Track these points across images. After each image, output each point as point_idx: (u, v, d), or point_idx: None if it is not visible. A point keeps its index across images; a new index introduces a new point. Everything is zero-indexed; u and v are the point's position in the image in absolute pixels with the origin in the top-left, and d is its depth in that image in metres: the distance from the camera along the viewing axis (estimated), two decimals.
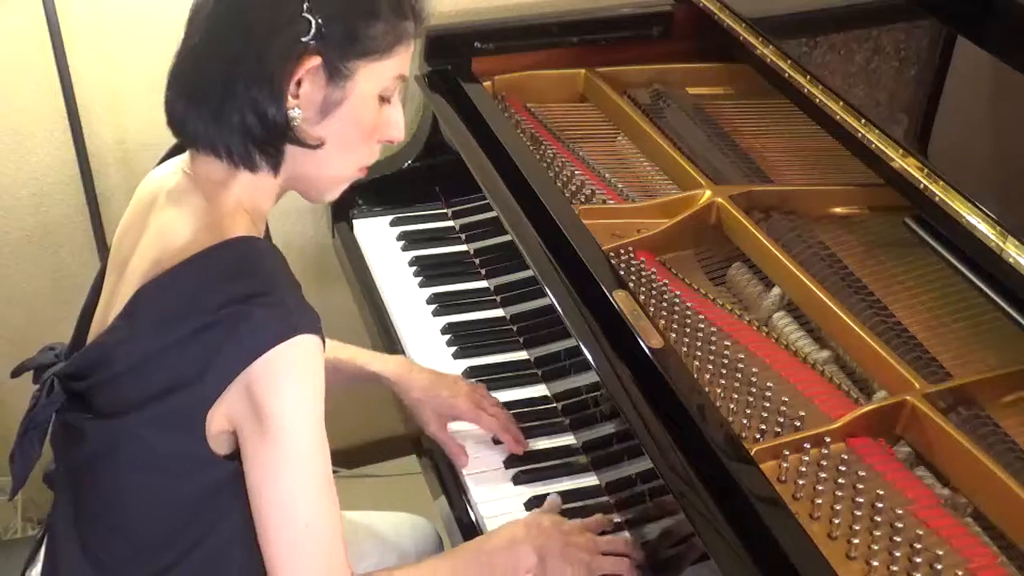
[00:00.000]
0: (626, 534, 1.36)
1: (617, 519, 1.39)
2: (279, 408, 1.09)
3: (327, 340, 1.53)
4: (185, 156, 1.22)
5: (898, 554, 1.16)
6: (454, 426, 1.51)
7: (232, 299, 1.08)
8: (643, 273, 1.54)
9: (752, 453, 1.23)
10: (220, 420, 1.12)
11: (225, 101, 1.11)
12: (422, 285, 1.79)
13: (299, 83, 1.11)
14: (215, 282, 1.10)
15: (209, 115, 1.13)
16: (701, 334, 1.44)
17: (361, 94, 1.15)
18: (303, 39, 1.09)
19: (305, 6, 1.09)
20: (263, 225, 1.23)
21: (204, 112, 1.13)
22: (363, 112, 1.16)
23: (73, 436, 1.19)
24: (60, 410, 1.18)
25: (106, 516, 1.20)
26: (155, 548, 1.19)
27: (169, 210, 1.19)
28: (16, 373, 1.26)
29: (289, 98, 1.12)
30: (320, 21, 1.09)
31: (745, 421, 1.32)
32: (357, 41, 1.12)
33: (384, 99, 1.18)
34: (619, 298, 1.40)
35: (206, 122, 1.14)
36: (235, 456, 1.15)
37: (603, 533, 1.35)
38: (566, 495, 1.43)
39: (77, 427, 1.17)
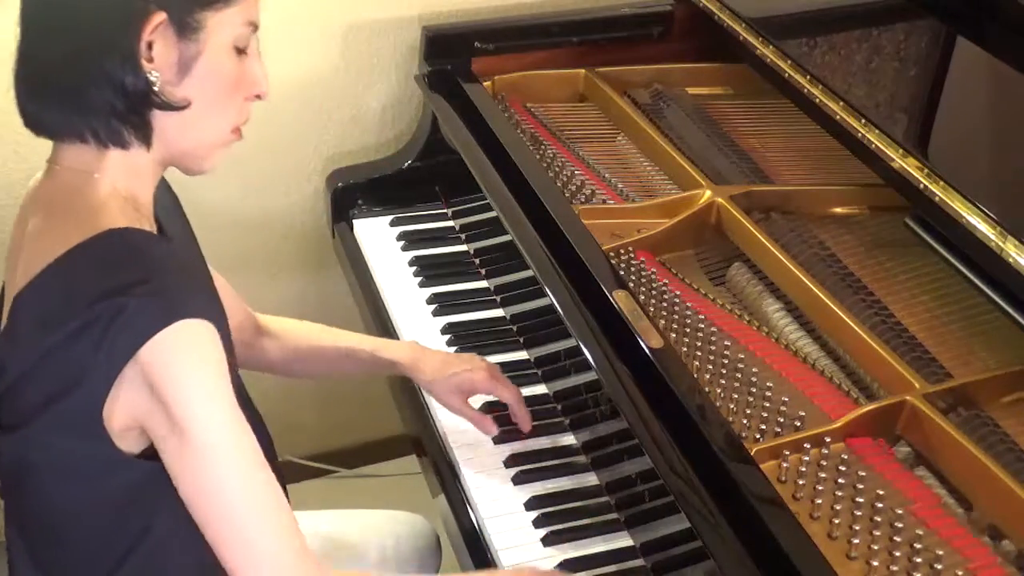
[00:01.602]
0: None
1: (617, 519, 1.39)
2: (182, 398, 1.06)
3: (332, 328, 1.54)
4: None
5: (898, 554, 1.16)
6: (452, 421, 1.50)
7: (107, 292, 1.05)
8: (643, 273, 1.54)
9: (752, 453, 1.23)
10: (121, 417, 1.08)
11: (79, 83, 1.08)
12: (422, 285, 1.79)
13: (150, 45, 1.07)
14: (89, 277, 1.07)
15: (65, 102, 1.10)
16: (701, 334, 1.44)
17: (216, 46, 1.11)
18: None
19: None
20: (148, 210, 1.18)
21: (59, 101, 1.10)
22: (222, 65, 1.12)
23: None
24: None
25: (42, 525, 1.18)
26: (93, 554, 1.17)
27: (38, 214, 1.15)
28: None
29: (143, 62, 1.07)
30: None
31: (745, 421, 1.32)
32: None
33: (241, 51, 1.14)
34: (619, 298, 1.40)
35: (64, 110, 1.10)
36: (149, 455, 1.11)
37: None
38: (566, 495, 1.43)
39: None
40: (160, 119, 1.12)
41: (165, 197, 1.28)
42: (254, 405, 1.33)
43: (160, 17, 1.06)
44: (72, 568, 1.19)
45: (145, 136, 1.12)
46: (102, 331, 1.04)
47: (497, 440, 1.50)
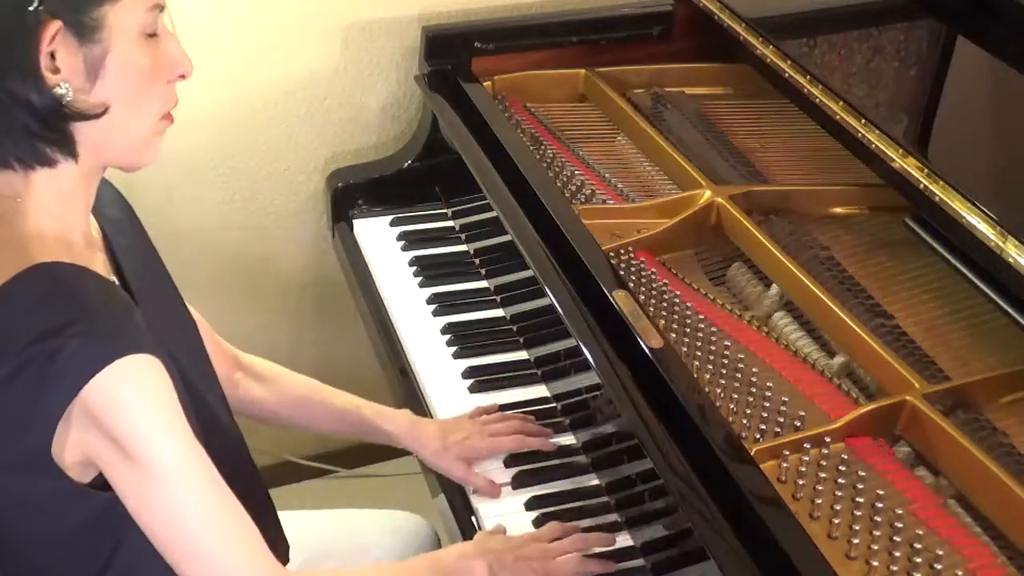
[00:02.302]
0: (580, 528, 1.36)
1: (617, 519, 1.39)
2: (134, 434, 1.04)
3: (326, 386, 1.52)
4: None
5: (898, 554, 1.16)
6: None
7: (39, 335, 1.01)
8: (643, 273, 1.54)
9: (752, 453, 1.23)
10: (72, 453, 1.06)
11: None
12: (422, 285, 1.79)
13: (52, 56, 1.02)
14: (21, 318, 1.03)
15: None
16: (701, 334, 1.44)
17: (122, 40, 1.05)
18: (30, 8, 1.00)
19: None
20: (82, 229, 1.14)
21: None
22: (134, 57, 1.06)
23: None
24: None
25: (10, 558, 1.17)
26: None
27: None
28: None
29: (48, 75, 1.02)
30: None
31: (745, 421, 1.32)
32: None
33: (151, 35, 1.08)
34: (619, 298, 1.40)
35: None
36: (106, 485, 1.09)
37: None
38: (566, 495, 1.43)
39: None
40: (82, 129, 1.07)
41: (114, 207, 1.26)
42: (229, 418, 1.32)
43: (55, 25, 1.02)
44: None
45: (70, 150, 1.08)
46: (39, 375, 1.01)
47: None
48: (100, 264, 1.16)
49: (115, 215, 1.25)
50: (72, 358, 1.01)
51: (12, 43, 1.02)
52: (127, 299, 1.12)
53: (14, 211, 1.09)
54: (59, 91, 1.03)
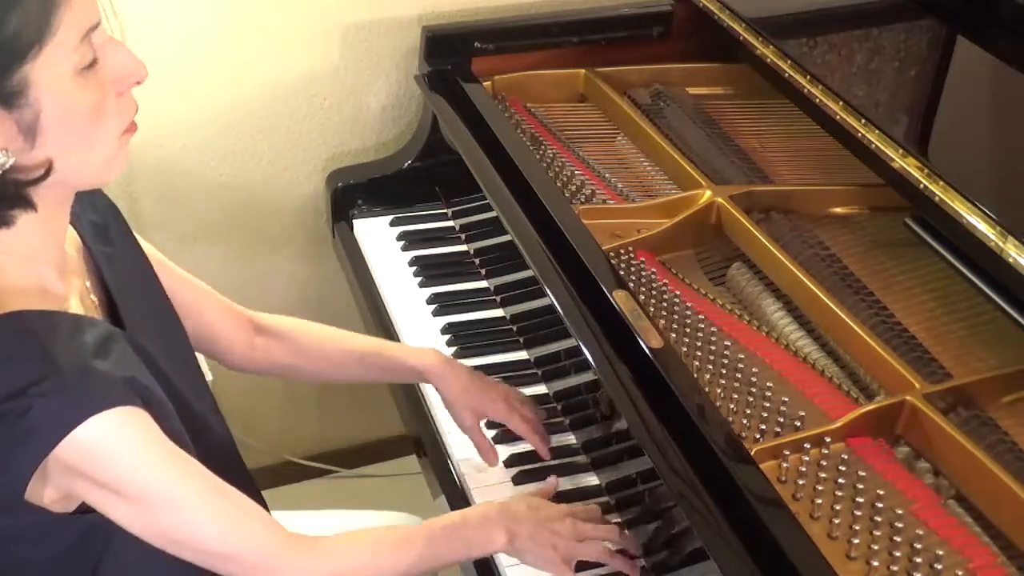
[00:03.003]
0: (618, 525, 1.36)
1: (617, 519, 1.39)
2: (125, 479, 1.03)
3: (346, 331, 1.50)
4: None
5: (898, 554, 1.16)
6: (452, 422, 1.51)
7: (8, 394, 0.97)
8: (643, 273, 1.54)
9: (752, 453, 1.23)
10: (52, 496, 1.05)
11: None
12: (422, 285, 1.79)
13: None
14: None
15: None
16: (701, 334, 1.44)
17: (52, 92, 0.98)
18: None
19: None
20: (54, 255, 1.10)
21: None
22: (72, 102, 0.99)
23: None
24: None
25: None
26: None
27: None
28: None
29: None
30: None
31: (745, 421, 1.32)
32: (3, 53, 0.95)
33: (89, 67, 1.00)
34: (619, 298, 1.40)
35: None
36: (90, 508, 1.08)
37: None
38: (566, 495, 1.43)
39: None
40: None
41: (94, 212, 1.23)
42: (219, 421, 1.32)
43: None
44: None
45: (25, 204, 1.03)
46: (7, 435, 0.98)
47: (497, 440, 1.50)
48: (76, 290, 1.13)
49: (95, 219, 1.22)
50: (41, 419, 0.98)
51: None
52: (104, 334, 1.07)
53: None
54: None
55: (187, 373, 1.27)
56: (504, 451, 1.49)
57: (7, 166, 0.98)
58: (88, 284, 1.17)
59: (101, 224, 1.23)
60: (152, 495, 1.06)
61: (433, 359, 1.48)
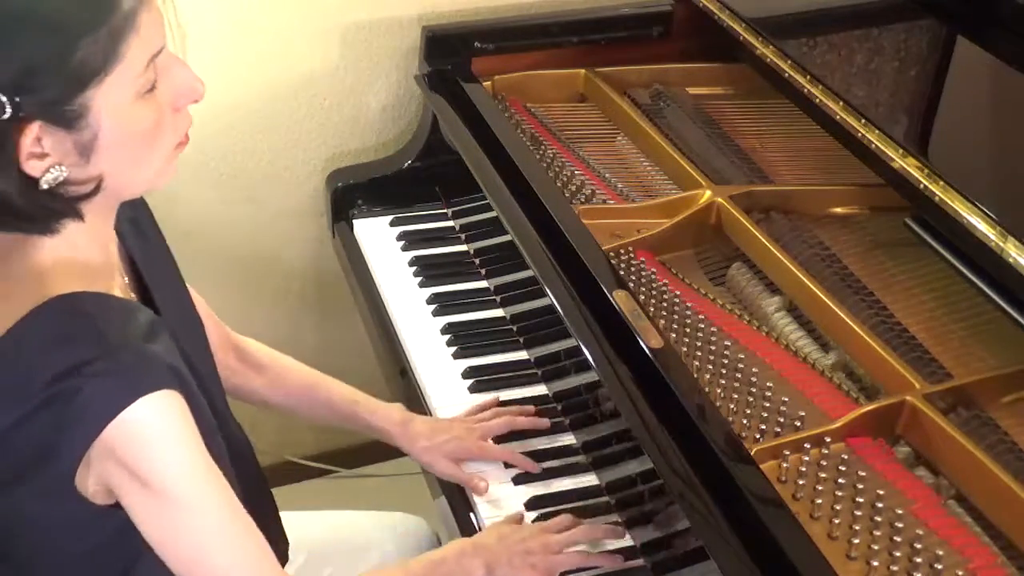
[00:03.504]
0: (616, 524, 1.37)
1: (617, 519, 1.39)
2: (153, 469, 1.03)
3: (326, 376, 1.52)
4: None
5: (898, 554, 1.16)
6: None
7: (60, 374, 0.99)
8: (643, 273, 1.54)
9: (752, 453, 1.23)
10: (94, 483, 1.06)
11: None
12: (422, 285, 1.79)
13: (39, 140, 0.97)
14: (39, 355, 1.01)
15: None
16: (701, 334, 1.44)
17: (112, 115, 0.99)
18: (2, 118, 0.94)
19: None
20: (95, 269, 1.10)
21: None
22: (130, 125, 1.01)
23: None
24: None
25: (31, 572, 1.17)
26: None
27: None
28: None
29: (31, 163, 0.98)
30: (9, 94, 0.94)
31: (745, 421, 1.32)
32: (67, 79, 0.96)
33: (149, 90, 1.02)
34: (619, 298, 1.40)
35: None
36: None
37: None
38: (566, 495, 1.43)
39: None
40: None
41: (129, 207, 1.22)
42: (230, 412, 1.32)
43: (34, 128, 0.96)
44: None
45: (74, 215, 1.04)
46: (59, 415, 1.00)
47: (498, 440, 1.50)
48: (119, 281, 1.15)
49: (131, 214, 1.23)
50: (91, 401, 0.99)
51: None
52: (151, 320, 1.08)
53: (28, 244, 1.06)
54: (51, 175, 0.99)
55: (208, 365, 1.28)
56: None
57: (60, 180, 1.00)
58: (125, 279, 1.18)
59: (135, 218, 1.24)
60: (177, 492, 1.05)
61: (396, 418, 1.50)
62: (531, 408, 1.53)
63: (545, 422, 1.50)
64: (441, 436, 1.48)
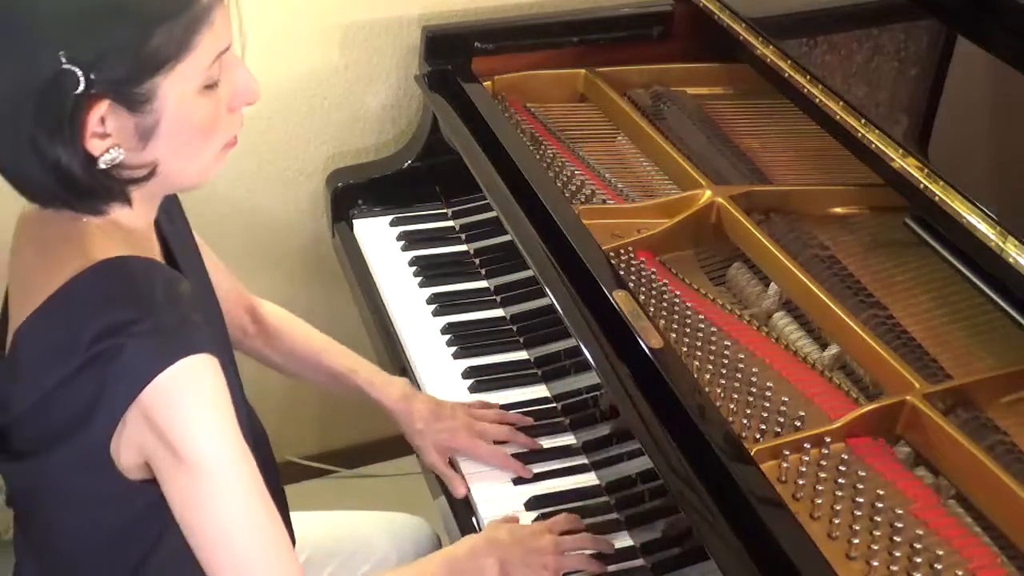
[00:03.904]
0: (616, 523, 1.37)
1: (617, 519, 1.39)
2: (186, 436, 1.04)
3: (335, 343, 1.54)
4: None
5: (898, 554, 1.16)
6: None
7: (103, 332, 1.02)
8: (643, 273, 1.54)
9: (752, 453, 1.23)
10: (129, 453, 1.07)
11: (38, 169, 1.01)
12: (422, 285, 1.79)
13: (102, 120, 1.01)
14: (84, 315, 1.04)
15: (32, 181, 1.04)
16: (701, 334, 1.44)
17: (175, 104, 1.03)
18: (75, 92, 0.98)
19: (63, 57, 0.97)
20: (141, 236, 1.14)
21: (25, 177, 1.04)
22: (190, 116, 1.05)
23: (4, 474, 1.18)
24: None
25: (52, 545, 1.19)
26: (105, 569, 1.17)
27: (32, 245, 1.14)
28: None
29: (96, 143, 1.01)
30: (85, 65, 0.97)
31: (745, 421, 1.32)
32: (139, 63, 0.99)
33: (211, 86, 1.06)
34: (619, 298, 1.40)
35: (31, 186, 1.05)
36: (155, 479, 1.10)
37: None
38: (566, 495, 1.43)
39: (3, 467, 1.16)
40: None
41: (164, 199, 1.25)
42: (248, 404, 1.33)
43: (102, 106, 1.00)
44: None
45: (123, 199, 1.08)
46: (101, 373, 1.02)
47: (499, 441, 1.50)
48: (158, 255, 1.18)
49: (165, 205, 1.24)
50: (133, 359, 1.02)
51: (59, 122, 0.99)
52: (192, 293, 1.11)
53: (75, 219, 1.09)
54: (109, 156, 1.03)
55: (229, 360, 1.28)
56: (504, 451, 1.49)
57: (116, 161, 1.03)
58: (163, 262, 1.20)
59: (168, 208, 1.25)
60: (206, 461, 1.05)
61: (394, 395, 1.50)
62: (525, 438, 1.51)
63: (526, 469, 1.47)
64: (438, 423, 1.48)
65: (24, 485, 1.16)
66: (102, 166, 1.03)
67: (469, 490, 1.45)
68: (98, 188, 1.05)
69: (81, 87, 0.97)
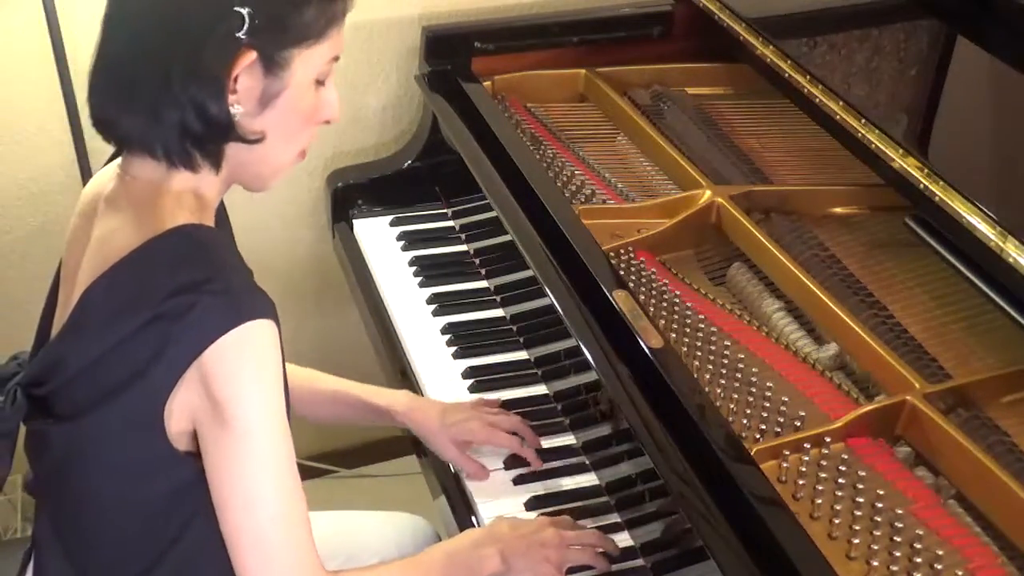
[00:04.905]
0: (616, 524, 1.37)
1: (617, 519, 1.39)
2: (235, 397, 1.07)
3: (323, 373, 1.52)
4: (120, 160, 1.20)
5: (898, 554, 1.16)
6: None
7: (176, 289, 1.07)
8: (643, 273, 1.54)
9: (752, 453, 1.23)
10: (179, 417, 1.10)
11: (161, 101, 1.09)
12: (422, 285, 1.80)
13: (236, 78, 1.09)
14: (157, 274, 1.09)
15: (144, 115, 1.10)
16: (701, 334, 1.44)
17: (299, 82, 1.13)
18: (237, 34, 1.07)
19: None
20: (211, 213, 1.20)
21: (139, 113, 1.11)
22: (302, 99, 1.15)
23: (41, 444, 1.19)
24: (27, 418, 1.17)
25: (81, 522, 1.19)
26: (132, 550, 1.18)
27: (109, 216, 1.17)
28: None
29: (228, 95, 1.10)
30: (252, 13, 1.07)
31: (745, 421, 1.32)
32: (290, 30, 1.10)
33: (320, 82, 1.16)
34: (619, 298, 1.40)
35: (142, 123, 1.11)
36: (199, 454, 1.13)
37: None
38: (566, 495, 1.43)
39: (43, 434, 1.18)
40: (233, 147, 1.14)
41: None
42: None
43: (251, 57, 1.08)
44: (107, 565, 1.21)
45: (216, 163, 1.15)
46: (171, 327, 1.06)
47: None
48: None
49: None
50: (204, 314, 1.06)
51: (211, 60, 1.07)
52: (249, 270, 1.16)
53: (154, 192, 1.14)
54: (233, 110, 1.10)
55: None
56: (505, 451, 1.49)
57: (236, 117, 1.11)
58: None
59: (219, 209, 1.28)
60: (250, 424, 1.08)
61: (400, 400, 1.51)
62: (532, 434, 1.51)
63: (539, 461, 1.48)
64: (451, 417, 1.48)
65: (61, 454, 1.17)
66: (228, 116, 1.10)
67: (469, 490, 1.45)
68: (215, 137, 1.11)
69: (244, 30, 1.07)
